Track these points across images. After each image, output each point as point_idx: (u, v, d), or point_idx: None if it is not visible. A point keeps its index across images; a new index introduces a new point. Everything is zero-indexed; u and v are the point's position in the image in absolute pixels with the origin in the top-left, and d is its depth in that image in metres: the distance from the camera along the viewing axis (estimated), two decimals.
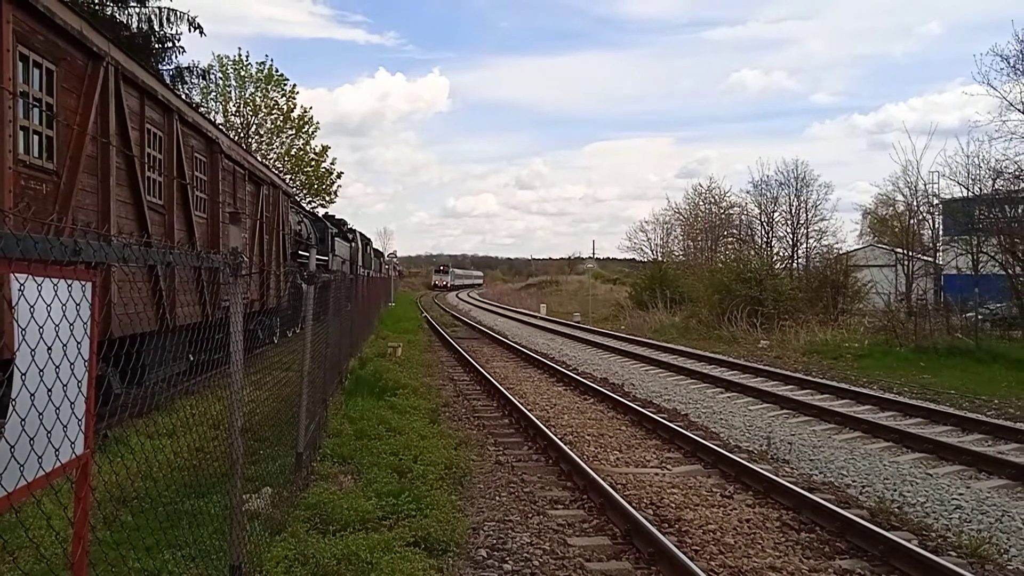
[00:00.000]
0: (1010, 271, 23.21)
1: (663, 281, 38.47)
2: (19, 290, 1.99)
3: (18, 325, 1.99)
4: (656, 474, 8.47)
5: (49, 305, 2.13)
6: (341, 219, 34.52)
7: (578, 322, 36.70)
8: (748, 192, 47.88)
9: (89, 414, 2.41)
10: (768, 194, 40.12)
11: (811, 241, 38.62)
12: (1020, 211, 23.91)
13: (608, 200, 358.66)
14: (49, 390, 2.14)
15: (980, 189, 24.89)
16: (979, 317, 22.42)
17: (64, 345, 2.22)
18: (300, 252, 21.81)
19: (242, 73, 37.58)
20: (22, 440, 2.01)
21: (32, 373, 2.06)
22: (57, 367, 2.18)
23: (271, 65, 38.01)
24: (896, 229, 36.06)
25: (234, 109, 37.71)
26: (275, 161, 37.83)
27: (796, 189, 38.94)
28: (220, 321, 4.56)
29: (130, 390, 8.09)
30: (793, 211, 39.16)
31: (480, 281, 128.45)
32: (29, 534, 4.42)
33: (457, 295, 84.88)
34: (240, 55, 38.01)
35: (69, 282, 2.26)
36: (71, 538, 2.43)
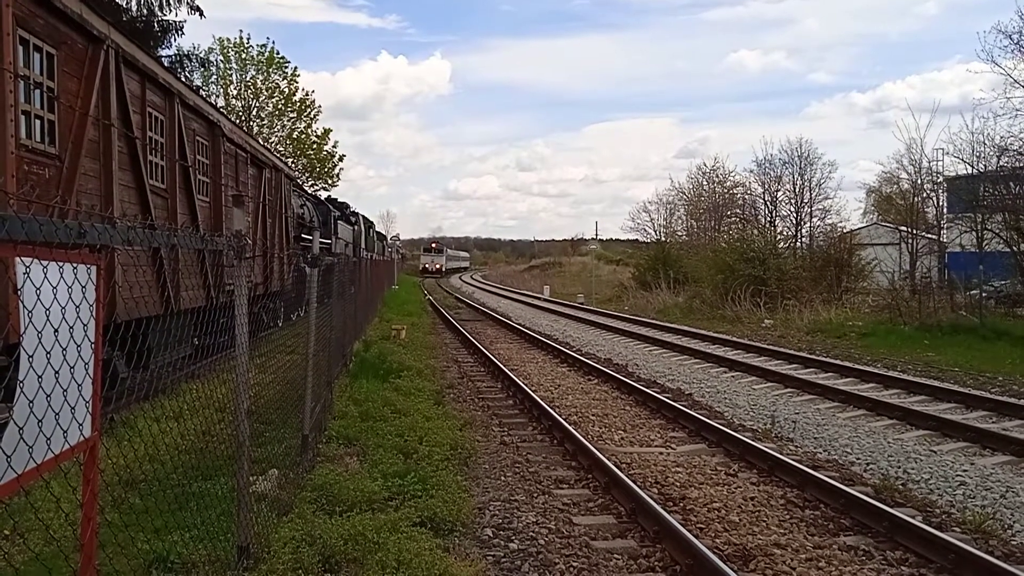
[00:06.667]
0: (1014, 248, 23.14)
1: (666, 261, 38.45)
2: (24, 273, 1.99)
3: (24, 308, 2.00)
4: (661, 453, 8.49)
5: (55, 288, 2.13)
6: (344, 202, 34.54)
7: (582, 303, 36.71)
8: (751, 171, 47.66)
9: (96, 396, 2.43)
10: (772, 173, 40.11)
11: (815, 220, 38.64)
12: None
13: (610, 181, 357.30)
14: (56, 373, 2.15)
15: (984, 166, 24.76)
16: (983, 295, 22.35)
17: (70, 328, 2.23)
18: (303, 235, 21.83)
19: (243, 56, 37.37)
20: (30, 422, 2.02)
21: (39, 356, 2.07)
22: (63, 350, 2.19)
23: (272, 48, 37.83)
24: (900, 207, 35.93)
25: (235, 92, 37.54)
26: (277, 144, 37.70)
27: (800, 168, 38.93)
28: (225, 305, 4.58)
29: (136, 374, 8.12)
30: (797, 190, 39.14)
31: (467, 264, 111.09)
32: (39, 516, 4.47)
33: (460, 277, 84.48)
34: (241, 38, 37.85)
35: (74, 265, 2.26)
36: (80, 520, 2.45)
